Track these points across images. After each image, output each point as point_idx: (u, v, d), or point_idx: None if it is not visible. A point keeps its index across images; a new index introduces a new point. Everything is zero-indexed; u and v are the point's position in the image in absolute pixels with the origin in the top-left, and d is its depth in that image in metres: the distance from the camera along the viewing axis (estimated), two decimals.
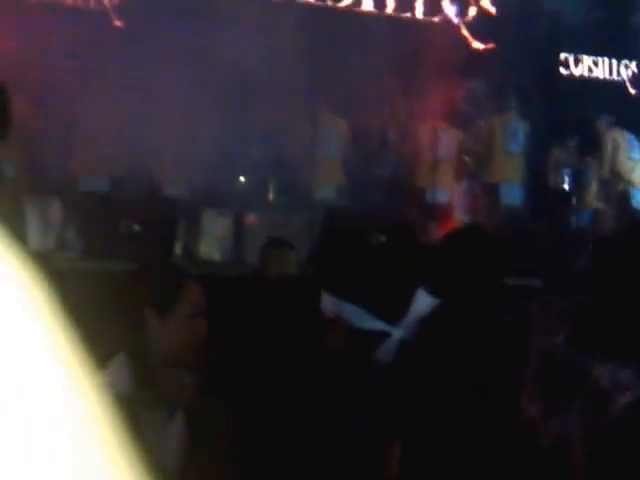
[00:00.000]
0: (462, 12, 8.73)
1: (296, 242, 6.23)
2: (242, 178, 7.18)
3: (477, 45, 8.76)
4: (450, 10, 8.65)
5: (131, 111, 6.12)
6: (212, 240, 6.55)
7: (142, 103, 6.15)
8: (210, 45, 6.44)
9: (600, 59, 9.54)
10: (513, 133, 6.74)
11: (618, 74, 9.62)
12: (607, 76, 9.57)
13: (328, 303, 2.02)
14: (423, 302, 2.18)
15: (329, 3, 8.33)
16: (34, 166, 6.03)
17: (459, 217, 6.94)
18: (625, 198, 6.82)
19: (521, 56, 8.05)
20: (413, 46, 7.91)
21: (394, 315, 2.08)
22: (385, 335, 2.05)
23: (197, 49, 6.47)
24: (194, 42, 6.43)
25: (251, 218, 6.69)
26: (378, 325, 2.05)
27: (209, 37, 6.46)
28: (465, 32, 8.74)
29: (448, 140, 6.83)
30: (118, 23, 7.43)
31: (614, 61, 9.57)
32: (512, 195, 6.60)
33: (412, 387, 1.95)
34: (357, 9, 8.46)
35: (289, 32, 6.84)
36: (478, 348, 1.96)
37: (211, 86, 6.34)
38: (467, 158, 7.10)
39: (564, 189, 7.65)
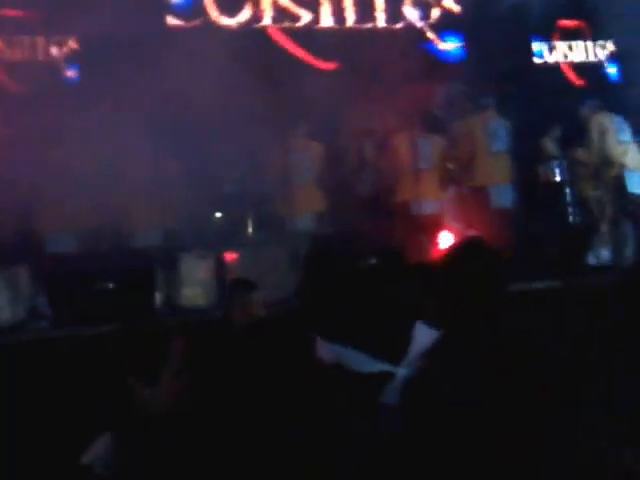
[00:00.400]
0: (425, 15, 8.48)
1: (280, 275, 5.98)
2: (218, 215, 6.87)
3: (445, 46, 8.50)
4: (412, 14, 8.39)
5: (93, 164, 5.82)
6: (194, 285, 6.21)
7: (103, 154, 5.86)
8: (166, 85, 6.15)
9: (574, 43, 9.27)
10: (495, 132, 6.44)
11: (595, 56, 9.35)
12: (584, 59, 9.29)
13: (324, 350, 1.79)
14: (424, 335, 1.97)
15: (285, 24, 8.08)
16: None
17: (450, 227, 6.62)
18: (620, 183, 6.51)
19: (492, 50, 7.81)
20: (381, 56, 7.66)
21: (396, 353, 1.90)
22: (389, 376, 1.86)
23: (153, 91, 6.17)
24: (149, 85, 6.13)
25: (232, 256, 6.37)
26: (381, 367, 1.86)
27: (163, 77, 6.17)
28: (431, 35, 8.48)
29: (428, 148, 6.52)
30: (70, 74, 7.18)
31: (589, 43, 9.30)
32: (503, 196, 6.28)
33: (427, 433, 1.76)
34: (316, 26, 8.22)
35: (247, 58, 6.59)
36: (496, 374, 1.80)
37: (171, 126, 6.06)
38: (450, 164, 6.79)
39: (556, 182, 7.32)
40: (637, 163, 6.52)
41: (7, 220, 5.69)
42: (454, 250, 2.28)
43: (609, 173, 6.51)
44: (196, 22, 7.79)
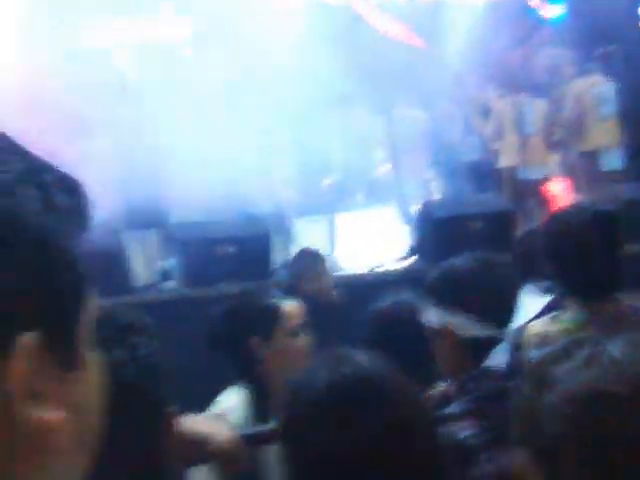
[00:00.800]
0: None
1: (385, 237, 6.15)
2: (328, 182, 7.14)
3: (549, 11, 8.41)
4: None
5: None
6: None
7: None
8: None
9: None
10: (602, 96, 6.38)
11: None
12: None
13: (432, 315, 1.90)
14: (531, 300, 2.03)
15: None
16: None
17: (559, 193, 6.65)
18: None
19: (596, 12, 7.67)
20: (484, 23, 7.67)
21: (504, 318, 1.95)
22: (497, 340, 1.91)
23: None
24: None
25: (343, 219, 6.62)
26: (489, 331, 1.91)
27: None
28: (534, 2, 8.39)
29: (533, 113, 6.54)
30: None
31: None
32: (612, 160, 6.26)
33: None
34: None
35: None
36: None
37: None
38: (558, 129, 6.79)
39: None
40: None
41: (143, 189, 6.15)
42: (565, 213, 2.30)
43: None
44: None
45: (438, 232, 4.94)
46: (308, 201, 6.66)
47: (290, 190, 6.66)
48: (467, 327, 1.83)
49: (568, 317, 2.03)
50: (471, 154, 6.96)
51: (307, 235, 6.45)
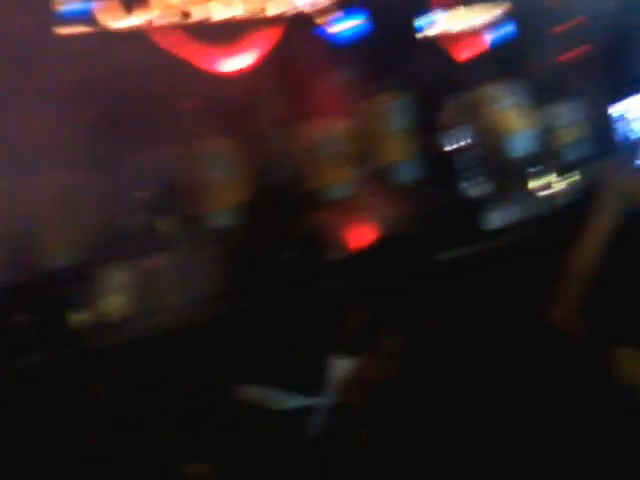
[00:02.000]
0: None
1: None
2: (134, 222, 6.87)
3: (338, 28, 8.65)
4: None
5: None
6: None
7: None
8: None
9: (469, 7, 9.54)
10: (395, 111, 6.68)
11: (490, 18, 9.63)
12: (477, 24, 9.57)
13: (248, 393, 1.91)
14: (339, 366, 2.07)
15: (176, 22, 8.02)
16: None
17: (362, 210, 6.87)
18: (502, 146, 6.85)
19: (385, 29, 8.02)
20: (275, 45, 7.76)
21: (314, 388, 1.97)
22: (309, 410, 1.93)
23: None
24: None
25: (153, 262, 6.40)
26: (300, 402, 1.93)
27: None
28: (320, 19, 8.60)
29: (334, 132, 6.70)
30: None
31: (483, 5, 9.59)
32: (406, 171, 6.57)
33: None
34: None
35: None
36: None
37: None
38: (355, 146, 7.02)
39: (454, 151, 7.72)
40: (523, 126, 6.88)
41: None
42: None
43: (494, 138, 6.87)
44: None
45: None
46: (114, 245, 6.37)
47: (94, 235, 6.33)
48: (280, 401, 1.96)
49: None
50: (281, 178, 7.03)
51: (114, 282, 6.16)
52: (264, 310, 4.89)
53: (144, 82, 6.60)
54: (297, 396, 1.98)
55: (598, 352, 1.66)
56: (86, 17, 7.66)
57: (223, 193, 6.43)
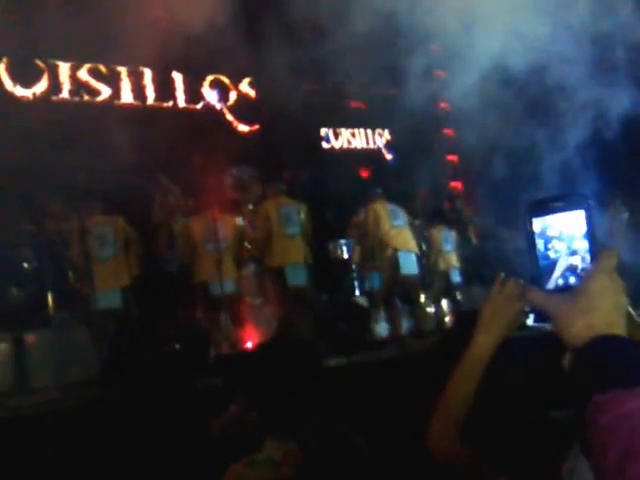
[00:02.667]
0: (224, 97, 8.89)
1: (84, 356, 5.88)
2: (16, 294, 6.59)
3: (242, 128, 8.97)
4: (211, 96, 8.76)
5: None
6: None
7: None
8: None
9: (357, 130, 10.22)
10: (288, 216, 6.83)
11: (374, 143, 10.37)
12: (364, 145, 10.27)
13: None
14: None
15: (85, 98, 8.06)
16: None
17: (249, 305, 6.92)
18: (394, 261, 7.16)
19: (285, 136, 8.36)
20: (181, 135, 7.89)
21: None
22: None
23: None
24: None
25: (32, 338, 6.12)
26: None
27: None
28: (229, 117, 8.91)
29: (226, 229, 6.76)
30: None
31: (369, 131, 10.31)
32: (297, 275, 6.68)
33: None
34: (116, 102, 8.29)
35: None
36: None
37: None
38: (247, 244, 7.13)
39: (343, 260, 7.99)
40: (408, 245, 7.24)
41: None
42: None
43: (384, 254, 7.17)
44: None
45: None
46: None
47: None
48: None
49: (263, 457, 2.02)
50: (171, 267, 7.01)
51: None
52: (137, 401, 4.76)
53: (42, 153, 6.55)
54: None
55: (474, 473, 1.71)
56: None
57: (110, 273, 6.28)
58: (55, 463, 3.98)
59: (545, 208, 1.17)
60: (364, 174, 9.82)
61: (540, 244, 1.17)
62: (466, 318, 2.34)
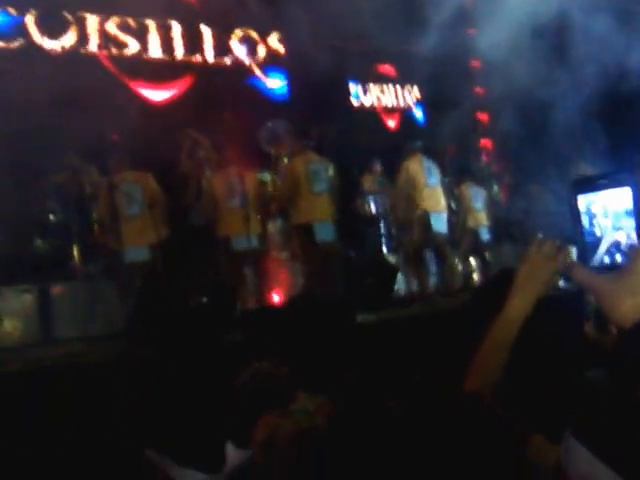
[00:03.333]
0: (252, 52, 8.80)
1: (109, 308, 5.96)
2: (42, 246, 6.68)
3: (270, 84, 8.88)
4: (240, 51, 8.67)
5: None
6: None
7: None
8: None
9: (386, 87, 10.06)
10: (316, 173, 6.78)
11: (404, 99, 10.21)
12: (394, 102, 10.12)
13: (151, 454, 1.86)
14: (233, 454, 2.06)
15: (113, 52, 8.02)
16: None
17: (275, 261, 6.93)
18: (425, 221, 7.12)
19: (314, 92, 8.27)
20: (209, 90, 7.84)
21: (213, 466, 1.95)
22: None
23: None
24: None
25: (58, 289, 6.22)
26: (197, 476, 1.91)
27: None
28: (258, 72, 8.81)
29: (248, 185, 6.73)
30: None
31: (399, 88, 10.15)
32: (325, 232, 6.65)
33: None
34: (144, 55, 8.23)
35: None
36: None
37: None
38: (275, 201, 7.10)
39: (371, 216, 7.95)
40: (439, 206, 7.21)
41: None
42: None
43: (415, 213, 7.13)
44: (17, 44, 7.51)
45: None
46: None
47: None
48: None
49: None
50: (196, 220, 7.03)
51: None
52: (163, 355, 4.81)
53: (65, 107, 6.55)
54: (195, 471, 1.96)
55: (509, 432, 1.72)
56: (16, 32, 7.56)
57: (137, 231, 6.32)
58: (76, 416, 3.99)
59: (590, 185, 1.14)
60: (392, 130, 9.71)
61: (585, 221, 1.15)
62: (500, 276, 2.31)
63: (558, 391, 1.96)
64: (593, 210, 1.14)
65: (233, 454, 1.97)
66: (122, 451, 3.05)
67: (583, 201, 1.14)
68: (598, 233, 1.14)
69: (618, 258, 1.11)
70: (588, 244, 1.13)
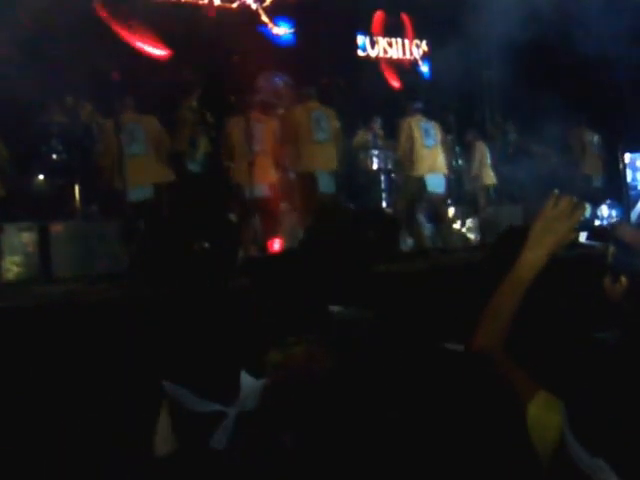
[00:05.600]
0: None
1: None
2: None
3: (277, 30, 8.75)
4: None
5: None
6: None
7: None
8: None
9: (394, 40, 9.93)
10: (317, 121, 6.74)
11: (411, 53, 10.08)
12: (401, 56, 9.99)
13: (165, 386, 1.90)
14: (248, 383, 2.11)
15: None
16: None
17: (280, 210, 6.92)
18: (418, 182, 7.13)
19: (320, 41, 8.18)
20: (216, 34, 7.73)
21: (227, 396, 1.99)
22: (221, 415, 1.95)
23: None
24: None
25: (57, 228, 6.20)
26: (213, 407, 1.95)
27: None
28: (265, 18, 8.68)
29: (261, 131, 6.70)
30: None
31: (406, 41, 10.02)
32: (326, 182, 6.65)
33: None
34: None
35: None
36: None
37: None
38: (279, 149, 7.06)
39: (373, 170, 7.95)
40: (436, 166, 7.19)
41: None
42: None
43: (410, 172, 7.12)
44: None
45: None
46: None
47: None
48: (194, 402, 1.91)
49: None
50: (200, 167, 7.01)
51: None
52: (169, 298, 4.84)
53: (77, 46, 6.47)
54: (211, 402, 2.00)
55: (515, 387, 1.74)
56: None
57: (141, 169, 6.30)
58: (75, 356, 3.98)
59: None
60: (397, 85, 9.61)
61: (629, 175, 1.15)
62: (513, 232, 2.33)
63: (566, 350, 2.00)
64: (638, 164, 1.14)
65: (247, 383, 2.02)
66: (133, 384, 3.09)
67: (629, 157, 1.15)
68: None
69: None
70: (632, 197, 1.14)
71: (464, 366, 2.00)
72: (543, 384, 1.63)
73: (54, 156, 6.72)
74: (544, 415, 1.51)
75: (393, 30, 9.81)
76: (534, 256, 1.65)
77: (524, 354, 1.74)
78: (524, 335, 1.79)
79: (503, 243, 2.30)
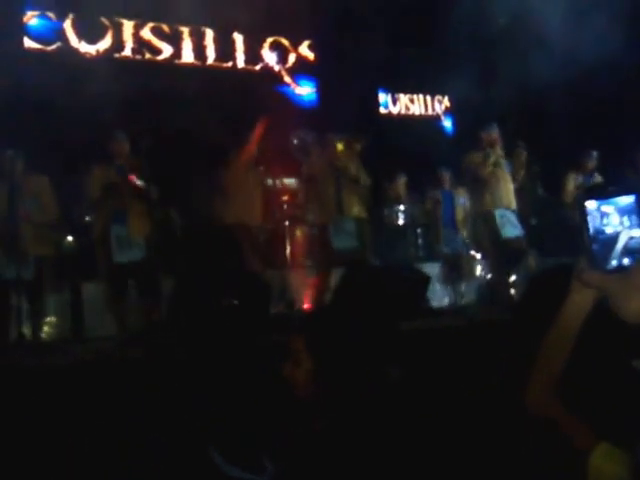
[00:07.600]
0: (282, 59, 8.87)
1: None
2: None
3: (300, 90, 8.94)
4: (270, 58, 8.74)
5: None
6: None
7: None
8: None
9: (415, 96, 10.08)
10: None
11: (433, 109, 10.21)
12: (423, 112, 10.13)
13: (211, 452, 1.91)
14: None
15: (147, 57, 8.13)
16: None
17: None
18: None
19: (342, 99, 8.30)
20: (239, 96, 7.90)
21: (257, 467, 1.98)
22: None
23: None
24: None
25: None
26: (244, 476, 1.95)
27: None
28: (287, 79, 8.88)
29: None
30: None
31: (428, 97, 10.16)
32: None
33: None
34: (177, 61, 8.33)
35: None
36: None
37: None
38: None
39: (399, 225, 7.98)
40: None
41: None
42: None
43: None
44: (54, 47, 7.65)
45: None
46: None
47: None
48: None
49: None
50: None
51: None
52: (197, 354, 4.81)
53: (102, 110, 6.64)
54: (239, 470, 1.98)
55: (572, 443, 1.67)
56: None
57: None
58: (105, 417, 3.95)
59: (601, 193, 1.13)
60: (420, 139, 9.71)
61: (596, 220, 1.13)
62: (557, 271, 2.28)
63: (609, 383, 1.93)
64: (603, 209, 1.12)
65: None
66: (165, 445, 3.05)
67: (593, 203, 1.12)
68: (609, 231, 1.11)
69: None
70: (600, 241, 1.11)
71: None
72: (596, 428, 1.58)
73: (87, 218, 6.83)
74: (606, 466, 1.47)
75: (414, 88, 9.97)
76: (582, 297, 1.55)
77: (574, 400, 1.69)
78: (573, 381, 1.74)
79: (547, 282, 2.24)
